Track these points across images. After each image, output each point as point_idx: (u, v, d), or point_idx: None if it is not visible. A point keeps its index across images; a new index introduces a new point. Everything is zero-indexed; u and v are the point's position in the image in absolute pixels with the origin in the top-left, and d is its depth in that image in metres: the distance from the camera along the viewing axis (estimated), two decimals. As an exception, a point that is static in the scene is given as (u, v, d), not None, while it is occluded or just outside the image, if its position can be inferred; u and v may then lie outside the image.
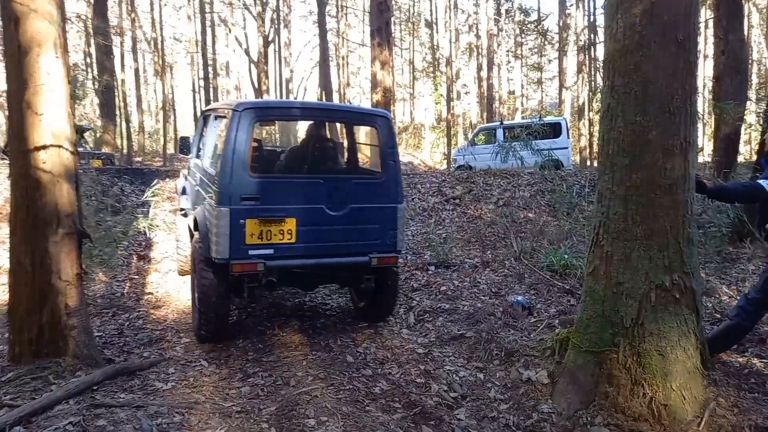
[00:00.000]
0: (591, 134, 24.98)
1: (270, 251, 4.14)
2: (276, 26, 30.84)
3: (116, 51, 24.74)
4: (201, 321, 4.31)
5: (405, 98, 39.51)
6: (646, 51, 3.36)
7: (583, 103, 25.18)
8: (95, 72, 21.61)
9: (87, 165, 11.89)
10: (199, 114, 6.07)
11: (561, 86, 29.32)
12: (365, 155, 16.79)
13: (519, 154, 11.22)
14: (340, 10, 33.72)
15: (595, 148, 25.78)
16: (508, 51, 34.21)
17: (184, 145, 5.89)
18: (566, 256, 6.03)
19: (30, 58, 3.54)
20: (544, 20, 35.20)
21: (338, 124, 13.38)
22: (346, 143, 5.92)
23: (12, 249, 3.70)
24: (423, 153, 29.43)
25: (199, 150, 5.48)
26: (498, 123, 17.09)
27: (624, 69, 3.46)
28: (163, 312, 5.30)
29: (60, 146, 3.66)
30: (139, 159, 25.59)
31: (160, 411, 3.19)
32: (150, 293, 5.81)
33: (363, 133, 21.51)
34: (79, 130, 16.02)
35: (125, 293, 5.76)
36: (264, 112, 4.44)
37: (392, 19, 19.57)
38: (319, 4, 21.64)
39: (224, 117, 4.45)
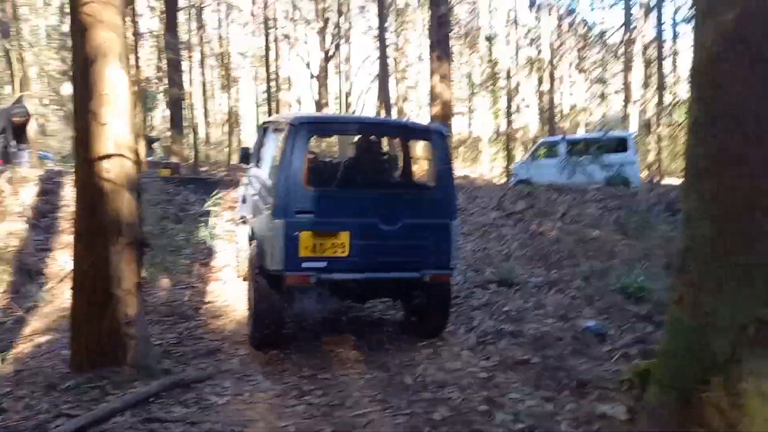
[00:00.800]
0: (659, 150, 23.86)
1: (323, 264, 4.14)
2: (337, 41, 31.34)
3: (186, 65, 25.78)
4: (255, 327, 4.39)
5: (463, 112, 39.17)
6: (738, 61, 3.02)
7: (651, 118, 24.09)
8: (166, 85, 22.60)
9: (155, 174, 12.34)
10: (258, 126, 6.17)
11: (626, 100, 28.22)
12: (421, 168, 16.62)
13: (587, 169, 10.75)
14: (399, 25, 33.90)
15: (665, 164, 24.61)
16: (570, 64, 33.38)
17: (244, 155, 6.01)
18: (640, 279, 5.61)
19: (95, 68, 3.59)
20: (616, 31, 34.01)
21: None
22: (401, 158, 5.85)
23: (75, 256, 3.76)
24: (481, 167, 28.97)
25: (258, 160, 5.53)
26: (561, 137, 16.55)
27: (714, 79, 3.13)
28: (222, 322, 5.28)
29: (122, 155, 3.69)
30: (205, 169, 26.41)
31: (213, 428, 3.10)
32: (209, 302, 5.82)
33: (420, 145, 21.34)
34: (150, 141, 16.70)
35: (186, 301, 5.80)
36: (320, 127, 4.54)
37: (451, 33, 19.47)
38: (380, 20, 21.80)
39: (281, 130, 4.48)
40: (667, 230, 8.16)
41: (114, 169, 3.66)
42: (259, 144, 5.64)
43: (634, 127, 24.25)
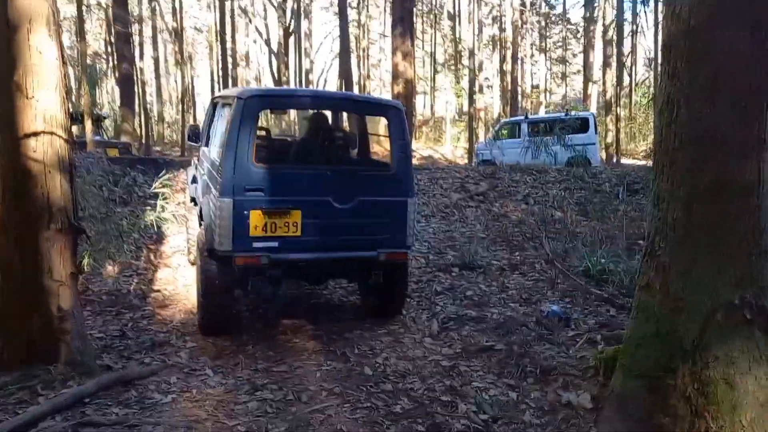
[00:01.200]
0: (618, 130, 24.23)
1: (274, 244, 3.99)
2: (296, 17, 30.48)
3: (136, 40, 24.62)
4: (204, 312, 4.24)
5: (426, 91, 38.93)
6: (716, 33, 2.90)
7: (611, 98, 24.42)
8: (115, 61, 21.51)
9: (103, 154, 11.75)
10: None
11: (586, 80, 28.51)
12: (384, 148, 16.34)
13: (552, 150, 10.77)
14: (362, 0, 33.24)
15: (623, 145, 25.03)
16: (532, 44, 33.47)
17: (193, 133, 5.61)
18: (603, 261, 5.57)
19: (19, 36, 3.21)
20: (585, 7, 34.19)
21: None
22: (357, 133, 5.68)
23: (1, 245, 3.39)
24: (444, 147, 28.87)
25: (208, 138, 5.23)
26: (523, 117, 16.56)
27: (689, 53, 2.99)
28: (170, 311, 4.97)
29: (53, 133, 3.33)
30: (159, 149, 25.47)
31: (155, 431, 2.84)
32: (158, 290, 5.49)
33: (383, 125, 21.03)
34: (98, 118, 15.83)
35: (132, 290, 5.45)
36: (270, 101, 4.31)
37: (414, 9, 19.10)
38: (341, -6, 21.17)
39: (230, 105, 4.22)
40: (627, 211, 8.21)
41: (42, 148, 3.30)
42: (209, 121, 5.33)
43: (594, 107, 24.55)
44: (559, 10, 35.78)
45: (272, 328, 4.60)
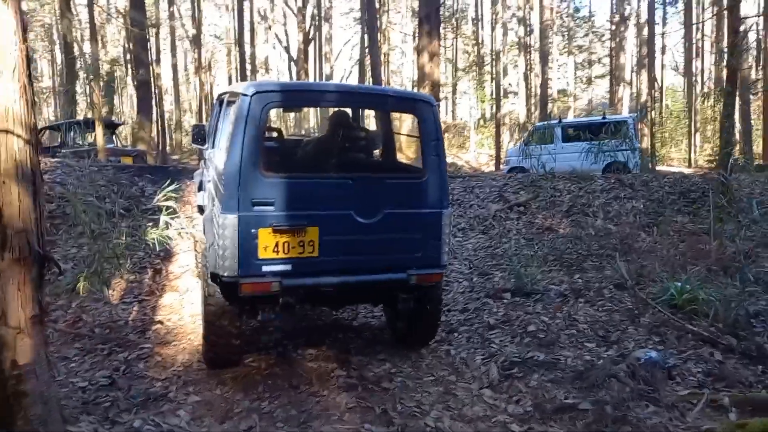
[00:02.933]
0: (653, 135, 23.06)
1: (287, 267, 3.40)
2: (316, 23, 29.92)
3: (154, 47, 24.18)
4: (208, 347, 3.73)
5: (447, 97, 38.08)
6: None
7: (645, 101, 23.24)
8: (132, 67, 21.05)
9: (118, 162, 11.21)
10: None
11: (613, 84, 27.32)
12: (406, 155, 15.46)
13: (586, 156, 9.91)
14: (382, 5, 32.56)
15: (659, 150, 23.84)
16: (558, 47, 32.42)
17: (198, 134, 4.78)
18: (688, 286, 4.62)
19: (-38, 2, 2.42)
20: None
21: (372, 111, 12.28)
22: (381, 134, 4.93)
23: (-58, 279, 2.59)
24: (468, 154, 27.98)
25: (214, 140, 4.47)
26: (557, 121, 15.59)
27: None
28: (172, 350, 4.16)
29: (9, 132, 2.51)
30: (176, 157, 24.95)
31: None
32: (159, 321, 4.68)
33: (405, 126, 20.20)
34: (110, 126, 15.32)
35: (130, 321, 4.66)
36: (279, 97, 3.55)
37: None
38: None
39: (234, 103, 3.56)
40: (685, 223, 7.23)
41: (-6, 152, 2.51)
42: (215, 120, 4.57)
43: (625, 112, 23.44)
44: (584, 12, 34.74)
45: (294, 375, 3.74)
